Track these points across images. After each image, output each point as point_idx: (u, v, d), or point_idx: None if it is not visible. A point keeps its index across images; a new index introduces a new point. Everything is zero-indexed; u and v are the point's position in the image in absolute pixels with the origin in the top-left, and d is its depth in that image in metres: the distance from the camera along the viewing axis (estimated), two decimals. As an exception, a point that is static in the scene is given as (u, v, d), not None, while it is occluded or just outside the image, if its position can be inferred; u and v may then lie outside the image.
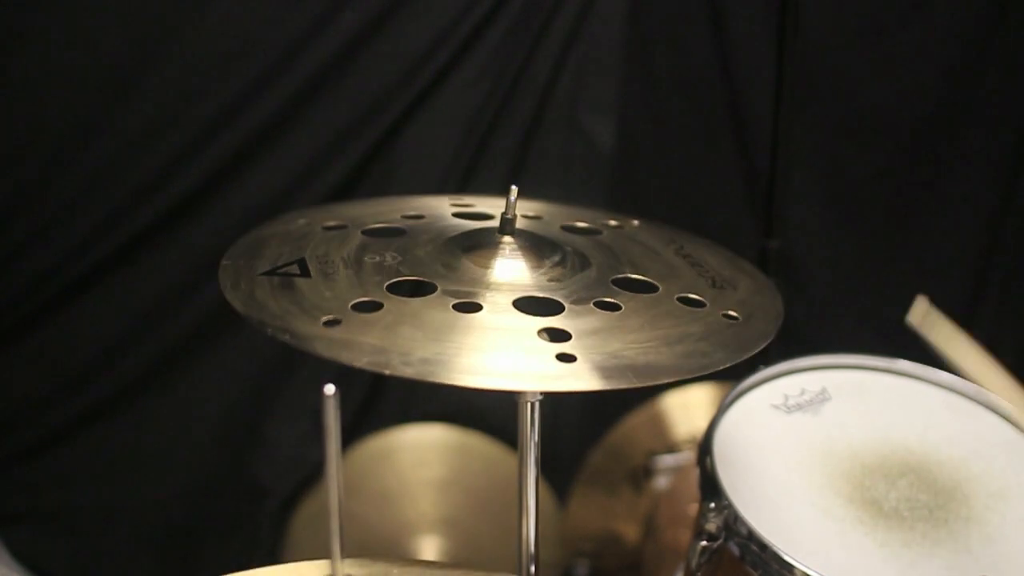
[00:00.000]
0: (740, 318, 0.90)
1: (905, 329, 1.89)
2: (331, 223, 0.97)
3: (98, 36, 1.58)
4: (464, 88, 1.73)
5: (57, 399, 1.76)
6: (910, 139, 1.81)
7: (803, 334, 1.77)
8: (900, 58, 1.76)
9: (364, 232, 0.96)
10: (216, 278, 0.88)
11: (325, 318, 0.79)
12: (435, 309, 0.83)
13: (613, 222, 1.10)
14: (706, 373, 0.83)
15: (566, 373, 0.77)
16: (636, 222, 1.11)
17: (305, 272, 0.86)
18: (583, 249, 0.98)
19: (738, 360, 0.85)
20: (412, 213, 1.03)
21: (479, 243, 0.94)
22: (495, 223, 0.96)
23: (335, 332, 0.78)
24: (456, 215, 1.04)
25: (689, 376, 0.83)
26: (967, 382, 1.21)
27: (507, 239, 0.93)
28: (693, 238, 1.08)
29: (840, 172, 1.84)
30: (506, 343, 0.80)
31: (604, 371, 0.78)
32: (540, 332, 0.82)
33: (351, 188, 1.72)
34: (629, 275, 0.95)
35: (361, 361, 0.75)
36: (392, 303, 0.83)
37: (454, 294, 0.85)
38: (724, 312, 0.91)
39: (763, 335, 0.89)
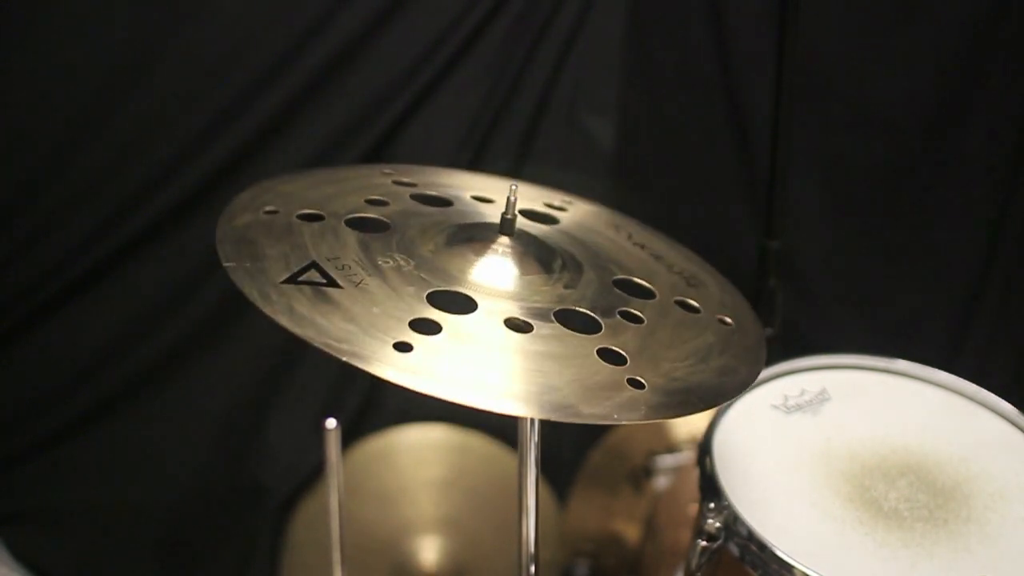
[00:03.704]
0: (734, 325, 0.97)
1: (904, 329, 1.89)
2: (304, 212, 0.95)
3: (98, 36, 1.58)
4: (464, 88, 1.73)
5: (57, 399, 1.76)
6: (911, 138, 1.81)
7: (803, 334, 1.77)
8: (901, 57, 1.76)
9: (349, 225, 0.94)
10: (215, 279, 0.87)
11: (393, 341, 0.79)
12: (489, 329, 0.84)
13: (555, 202, 1.14)
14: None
15: (643, 401, 0.80)
16: (571, 201, 1.15)
17: (331, 280, 0.84)
18: (564, 245, 1.01)
19: (759, 374, 0.92)
20: (374, 197, 1.02)
21: (485, 246, 0.94)
22: (453, 203, 1.04)
23: (410, 360, 0.78)
24: (414, 198, 1.04)
25: (735, 397, 0.92)
26: (966, 382, 1.21)
27: (509, 241, 0.95)
28: (625, 218, 1.14)
29: (840, 172, 1.84)
30: (577, 371, 0.82)
31: (671, 395, 0.83)
32: (598, 352, 0.85)
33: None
34: (621, 276, 0.99)
35: (459, 398, 0.75)
36: (446, 322, 0.83)
37: (496, 312, 0.86)
38: (719, 318, 0.97)
39: (758, 340, 0.97)
